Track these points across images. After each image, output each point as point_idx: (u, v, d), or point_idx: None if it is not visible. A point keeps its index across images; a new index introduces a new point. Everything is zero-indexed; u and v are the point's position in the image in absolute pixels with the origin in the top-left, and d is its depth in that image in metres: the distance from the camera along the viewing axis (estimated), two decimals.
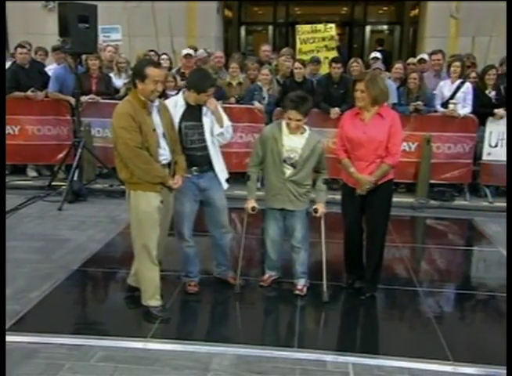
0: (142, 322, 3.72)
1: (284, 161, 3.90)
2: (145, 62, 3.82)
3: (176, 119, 3.87)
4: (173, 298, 4.04)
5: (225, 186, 4.10)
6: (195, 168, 3.97)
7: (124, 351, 3.34)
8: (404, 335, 3.67)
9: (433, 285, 4.58)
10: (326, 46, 7.94)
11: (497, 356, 3.24)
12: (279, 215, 4.07)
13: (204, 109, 3.94)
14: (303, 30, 8.00)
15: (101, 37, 8.32)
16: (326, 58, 7.81)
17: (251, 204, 4.07)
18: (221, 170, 4.07)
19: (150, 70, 3.50)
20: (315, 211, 4.03)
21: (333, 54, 7.86)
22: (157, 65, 3.73)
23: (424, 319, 3.87)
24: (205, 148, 3.96)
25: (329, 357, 3.32)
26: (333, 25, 8.04)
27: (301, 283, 4.20)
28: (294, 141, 3.89)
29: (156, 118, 3.63)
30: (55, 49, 7.86)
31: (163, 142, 3.66)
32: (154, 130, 3.58)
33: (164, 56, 7.93)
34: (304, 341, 3.51)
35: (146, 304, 3.80)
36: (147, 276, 3.75)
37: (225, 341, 3.47)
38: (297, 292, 4.16)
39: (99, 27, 8.10)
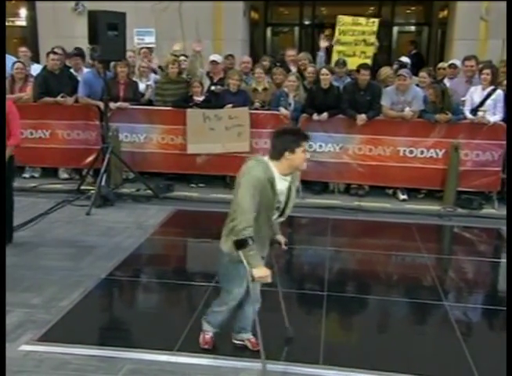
0: (169, 333, 3.76)
1: None
2: None
3: None
4: (198, 310, 4.05)
5: None
6: None
7: (150, 364, 3.38)
8: (429, 353, 3.61)
9: (460, 299, 4.55)
10: (364, 40, 7.77)
11: None
12: None
13: None
14: (344, 21, 7.82)
15: (135, 40, 8.40)
16: (363, 52, 7.72)
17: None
18: None
19: None
20: None
21: (371, 50, 7.73)
22: None
23: (450, 337, 3.81)
24: None
25: (355, 375, 3.32)
26: (376, 20, 7.86)
27: (202, 335, 3.60)
28: None
29: None
30: (71, 56, 7.97)
31: None
32: None
33: (182, 58, 8.00)
34: (329, 357, 3.49)
35: None
36: None
37: (252, 356, 3.47)
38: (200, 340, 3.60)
39: (134, 30, 8.22)
